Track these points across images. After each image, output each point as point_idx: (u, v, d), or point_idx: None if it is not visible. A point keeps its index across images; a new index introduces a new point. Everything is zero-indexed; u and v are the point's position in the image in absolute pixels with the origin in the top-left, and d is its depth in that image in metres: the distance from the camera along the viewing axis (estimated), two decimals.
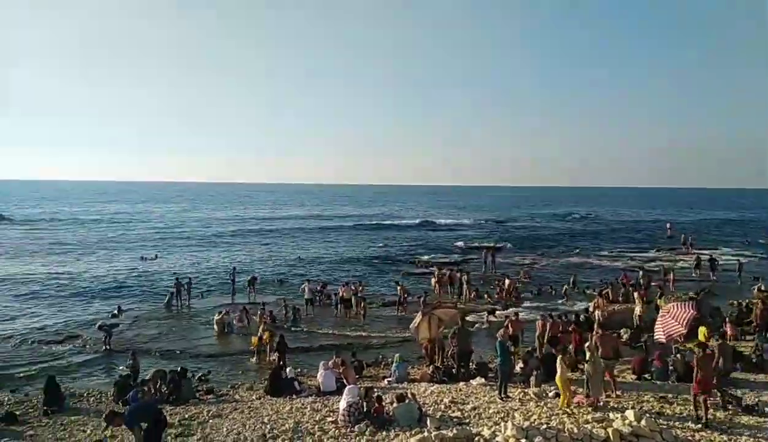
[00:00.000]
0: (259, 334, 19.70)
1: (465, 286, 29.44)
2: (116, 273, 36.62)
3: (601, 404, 12.13)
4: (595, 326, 19.74)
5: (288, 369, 15.99)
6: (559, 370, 12.24)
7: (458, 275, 31.05)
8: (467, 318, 21.65)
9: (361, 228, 75.84)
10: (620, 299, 25.15)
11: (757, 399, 12.33)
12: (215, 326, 22.84)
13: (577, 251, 51.54)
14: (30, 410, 13.78)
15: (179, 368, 15.58)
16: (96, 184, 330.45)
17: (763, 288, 25.95)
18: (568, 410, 11.83)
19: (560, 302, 27.94)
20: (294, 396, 14.25)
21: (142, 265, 40.88)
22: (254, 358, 19.16)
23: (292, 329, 22.86)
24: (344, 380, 14.71)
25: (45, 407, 13.57)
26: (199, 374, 16.95)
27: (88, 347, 20.44)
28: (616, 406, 12.12)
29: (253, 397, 14.61)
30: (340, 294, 25.96)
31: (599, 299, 23.39)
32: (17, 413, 13.37)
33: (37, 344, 20.80)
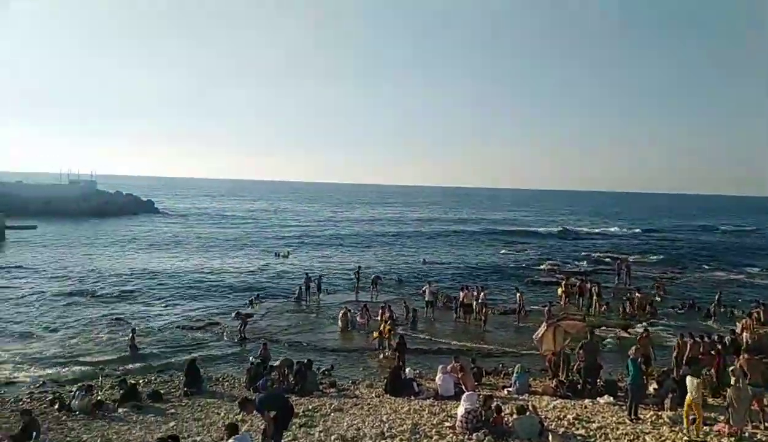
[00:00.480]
0: (379, 328, 20.19)
1: (595, 298, 27.94)
2: (253, 267, 39.40)
3: (746, 434, 10.92)
4: (743, 349, 17.81)
5: (407, 370, 16.16)
6: (693, 392, 11.19)
7: (588, 285, 29.56)
8: (596, 332, 20.53)
9: (489, 233, 74.32)
10: None
11: None
12: (339, 322, 23.67)
13: (725, 265, 46.95)
14: (173, 390, 15.17)
15: (305, 360, 16.33)
16: (236, 183, 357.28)
17: None
18: (700, 437, 10.80)
19: (709, 322, 25.61)
20: (412, 397, 14.38)
21: (276, 261, 43.51)
22: (381, 354, 19.66)
23: (411, 330, 23.05)
24: (463, 386, 14.59)
25: (185, 389, 14.87)
26: (323, 368, 17.64)
27: (225, 334, 22.08)
28: (764, 439, 10.86)
29: (373, 394, 14.93)
30: (461, 299, 25.73)
31: (748, 320, 21.10)
32: (161, 392, 14.75)
33: (181, 329, 22.81)
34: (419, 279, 35.10)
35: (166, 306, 27.27)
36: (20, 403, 13.79)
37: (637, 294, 27.86)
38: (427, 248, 55.85)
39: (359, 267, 34.45)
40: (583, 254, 53.75)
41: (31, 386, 15.75)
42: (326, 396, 14.69)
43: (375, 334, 20.68)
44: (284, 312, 26.45)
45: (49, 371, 17.24)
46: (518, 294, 26.51)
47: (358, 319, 24.07)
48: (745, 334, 19.84)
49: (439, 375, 15.21)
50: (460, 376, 15.22)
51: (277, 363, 16.31)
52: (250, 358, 17.68)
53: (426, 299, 26.52)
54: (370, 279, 31.86)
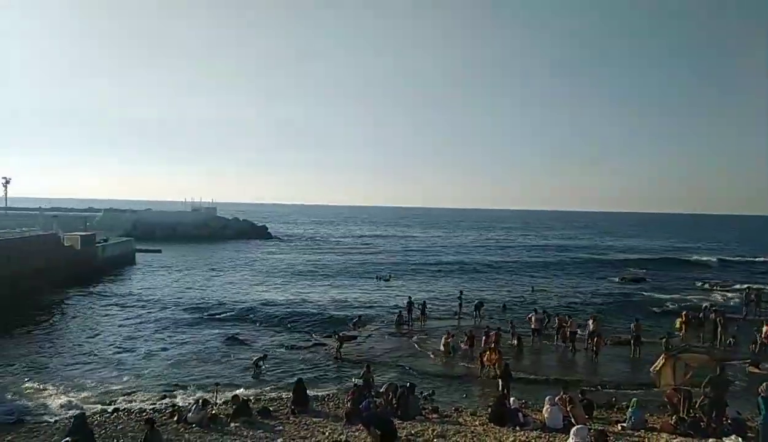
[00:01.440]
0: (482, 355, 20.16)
1: (720, 329, 25.69)
2: (356, 290, 40.37)
3: None
4: None
5: (512, 399, 15.68)
6: None
7: (712, 316, 27.26)
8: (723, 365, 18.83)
9: (603, 263, 70.26)
10: None
11: None
12: (442, 348, 23.50)
13: None
14: (281, 408, 15.78)
15: (408, 384, 16.33)
16: (352, 208, 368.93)
17: None
18: None
19: None
20: (518, 428, 13.91)
21: (378, 284, 44.22)
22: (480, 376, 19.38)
23: (516, 358, 22.37)
24: (572, 419, 13.91)
25: (293, 407, 15.41)
26: (425, 393, 17.53)
27: (328, 355, 22.64)
28: None
29: (477, 423, 14.61)
30: (571, 329, 24.70)
31: None
32: (271, 408, 15.39)
33: (289, 350, 23.77)
34: (525, 307, 34.13)
35: (277, 328, 28.48)
36: (143, 414, 14.94)
37: (765, 326, 25.23)
38: (536, 276, 54.45)
39: (461, 292, 34.10)
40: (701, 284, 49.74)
41: (153, 399, 17.04)
42: (429, 422, 14.58)
43: (484, 358, 20.31)
44: (386, 335, 26.72)
45: (167, 385, 18.61)
46: (634, 324, 24.83)
47: (461, 345, 23.78)
48: None
49: (546, 406, 14.62)
50: (569, 408, 14.52)
51: (383, 389, 16.45)
52: (354, 380, 17.98)
53: (532, 326, 25.71)
54: (474, 304, 31.41)
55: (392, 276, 49.03)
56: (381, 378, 18.36)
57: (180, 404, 16.05)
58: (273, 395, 17.49)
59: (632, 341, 24.00)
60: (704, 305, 32.28)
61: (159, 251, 61.78)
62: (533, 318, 25.97)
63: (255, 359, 20.87)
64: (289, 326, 28.80)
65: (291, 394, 15.99)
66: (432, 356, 23.25)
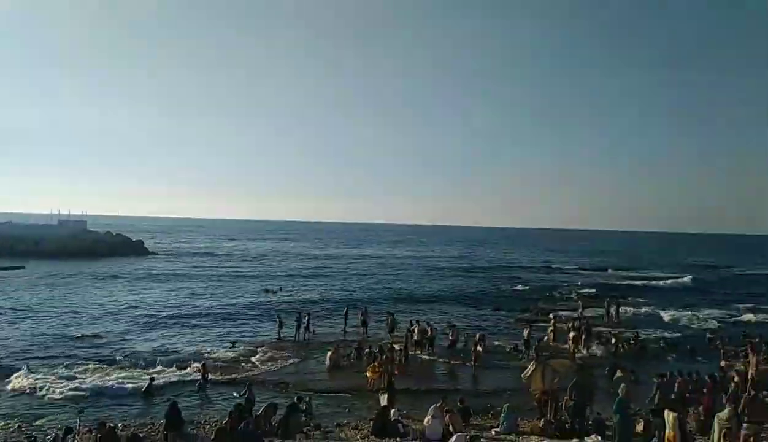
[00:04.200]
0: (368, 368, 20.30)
1: (583, 336, 27.81)
2: (240, 303, 39.15)
3: None
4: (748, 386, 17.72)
5: (393, 411, 15.88)
6: (670, 427, 11.09)
7: (577, 324, 29.51)
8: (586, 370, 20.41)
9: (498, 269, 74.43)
10: None
11: None
12: (327, 361, 23.39)
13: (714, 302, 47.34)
14: (152, 434, 14.86)
15: (290, 402, 16.03)
16: (242, 223, 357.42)
17: None
18: None
19: (699, 359, 25.66)
20: (398, 439, 14.10)
21: (265, 297, 43.28)
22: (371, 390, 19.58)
23: (399, 369, 22.76)
24: (450, 427, 14.35)
25: (165, 432, 14.52)
26: (305, 408, 17.22)
27: (208, 375, 21.58)
28: None
29: (358, 436, 14.66)
30: (453, 337, 25.73)
31: (754, 357, 20.97)
32: (141, 435, 14.42)
33: (161, 368, 22.38)
34: (409, 315, 34.77)
35: (143, 343, 26.96)
36: None
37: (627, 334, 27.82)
38: (423, 283, 56.09)
39: (347, 306, 34.20)
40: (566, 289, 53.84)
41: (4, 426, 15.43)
42: (311, 439, 14.39)
43: (368, 372, 20.54)
44: (270, 350, 26.03)
45: (25, 412, 16.92)
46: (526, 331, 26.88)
47: (345, 359, 23.81)
48: (751, 370, 19.80)
49: (428, 417, 14.99)
50: (448, 417, 14.99)
51: (261, 412, 15.93)
52: (234, 399, 17.34)
53: (414, 338, 26.31)
54: (360, 319, 31.39)
55: (281, 288, 48.28)
56: (263, 397, 17.84)
57: (36, 434, 14.62)
58: (144, 419, 16.42)
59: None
60: (574, 315, 34.82)
61: (22, 268, 55.78)
62: (416, 329, 26.60)
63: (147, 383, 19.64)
64: (163, 342, 27.31)
65: (163, 419, 15.08)
66: (317, 370, 23.04)
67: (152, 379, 20.14)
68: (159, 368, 22.42)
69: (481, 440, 12.06)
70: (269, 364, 23.84)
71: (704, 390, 16.24)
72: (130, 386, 19.89)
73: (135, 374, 21.48)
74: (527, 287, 55.93)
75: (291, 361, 24.31)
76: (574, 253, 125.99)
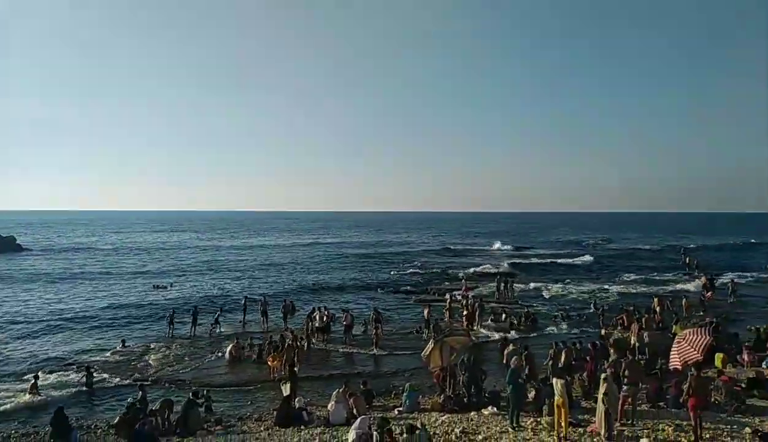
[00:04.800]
0: (269, 359, 20.27)
1: (477, 313, 29.12)
2: (128, 302, 36.85)
3: (615, 432, 11.75)
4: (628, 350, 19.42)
5: (296, 399, 15.79)
6: (558, 393, 11.91)
7: (471, 300, 30.85)
8: (480, 345, 21.42)
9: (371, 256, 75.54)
10: (653, 326, 24.58)
11: None
12: (226, 355, 22.75)
13: (594, 276, 51.33)
14: None
15: (187, 398, 15.44)
16: (112, 214, 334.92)
17: None
18: (573, 437, 11.51)
19: (587, 328, 27.74)
20: (302, 427, 14.05)
21: (155, 293, 41.09)
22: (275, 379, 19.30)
23: (304, 356, 22.63)
24: (355, 411, 14.50)
25: (51, 440, 13.48)
26: (205, 403, 16.69)
27: (96, 377, 20.26)
28: (630, 435, 11.77)
29: (261, 428, 14.43)
30: (346, 322, 25.96)
31: (635, 324, 22.89)
32: None
33: (45, 374, 20.65)
34: (309, 304, 34.53)
35: (24, 348, 24.84)
36: None
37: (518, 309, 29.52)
38: (320, 271, 55.75)
39: (246, 297, 33.39)
40: (459, 269, 55.93)
41: None
42: (212, 435, 13.96)
43: (270, 361, 20.30)
44: (163, 348, 24.80)
45: None
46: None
47: (246, 351, 23.27)
48: (632, 338, 21.64)
49: (331, 403, 15.05)
50: (351, 401, 15.13)
51: (156, 406, 15.21)
52: (127, 401, 16.41)
53: (316, 325, 26.24)
54: (260, 310, 30.64)
55: (173, 284, 45.97)
56: (161, 396, 16.96)
57: None
58: (27, 429, 15.12)
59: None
60: (469, 294, 36.25)
61: None
62: (317, 316, 26.52)
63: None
64: (43, 344, 25.20)
65: (49, 426, 13.97)
66: (216, 365, 22.34)
67: (36, 377, 18.89)
68: (40, 374, 20.60)
69: (389, 421, 12.21)
70: (163, 361, 22.73)
71: (587, 358, 17.57)
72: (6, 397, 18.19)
73: (9, 386, 19.63)
74: (425, 271, 57.34)
75: (186, 358, 23.31)
76: (468, 234, 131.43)
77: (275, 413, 15.04)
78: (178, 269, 58.26)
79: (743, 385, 15.56)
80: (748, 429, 11.95)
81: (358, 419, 12.09)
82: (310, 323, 26.30)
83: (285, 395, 16.24)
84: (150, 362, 22.70)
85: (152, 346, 25.12)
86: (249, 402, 17.81)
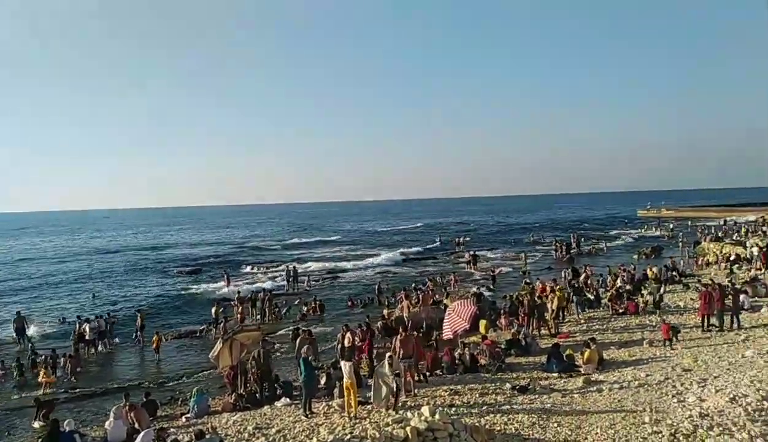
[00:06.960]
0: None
1: (266, 307, 28.93)
2: None
3: (399, 404, 12.61)
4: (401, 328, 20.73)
5: (65, 422, 13.97)
6: (346, 375, 12.47)
7: (261, 295, 30.52)
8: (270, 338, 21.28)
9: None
10: (429, 301, 26.57)
11: (528, 379, 14.05)
12: None
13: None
14: None
15: None
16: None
17: (528, 281, 29.66)
18: (360, 416, 12.10)
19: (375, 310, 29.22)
20: None
21: None
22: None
23: (72, 376, 20.15)
24: (137, 425, 13.35)
25: None
26: None
27: None
28: (413, 404, 12.75)
29: None
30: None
31: (406, 302, 24.46)
32: None
33: None
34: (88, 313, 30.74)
35: None
36: None
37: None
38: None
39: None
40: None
41: None
42: None
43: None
44: None
45: None
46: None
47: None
48: (404, 314, 23.20)
49: (110, 419, 13.62)
50: (132, 414, 13.88)
51: None
52: None
53: (87, 337, 23.55)
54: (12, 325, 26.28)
55: None
56: None
57: None
58: None
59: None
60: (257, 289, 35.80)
61: None
62: (87, 328, 23.81)
63: None
64: None
65: None
66: None
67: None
68: None
69: (169, 431, 11.47)
70: None
71: (366, 338, 18.58)
72: None
73: None
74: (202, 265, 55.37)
75: None
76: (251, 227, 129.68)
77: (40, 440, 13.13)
78: None
79: (503, 346, 17.83)
80: (508, 385, 13.76)
81: (141, 434, 11.22)
82: (74, 335, 23.62)
83: (51, 420, 14.22)
84: None
85: None
86: (6, 433, 15.27)
